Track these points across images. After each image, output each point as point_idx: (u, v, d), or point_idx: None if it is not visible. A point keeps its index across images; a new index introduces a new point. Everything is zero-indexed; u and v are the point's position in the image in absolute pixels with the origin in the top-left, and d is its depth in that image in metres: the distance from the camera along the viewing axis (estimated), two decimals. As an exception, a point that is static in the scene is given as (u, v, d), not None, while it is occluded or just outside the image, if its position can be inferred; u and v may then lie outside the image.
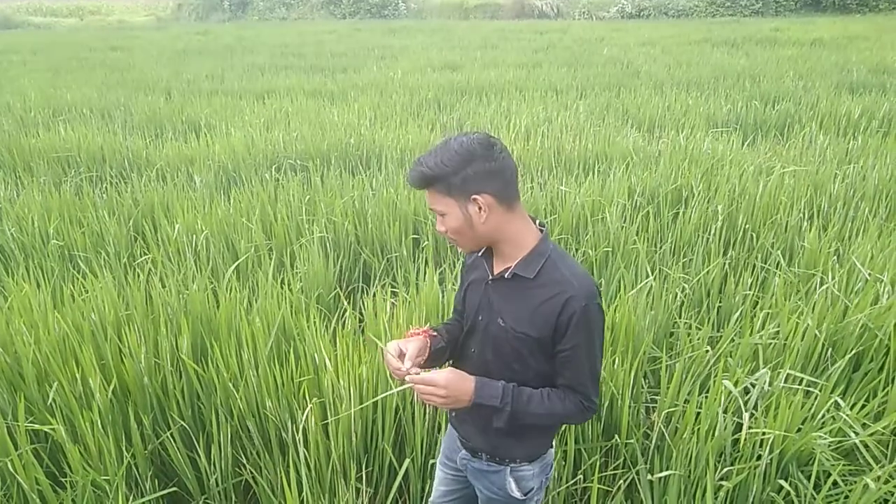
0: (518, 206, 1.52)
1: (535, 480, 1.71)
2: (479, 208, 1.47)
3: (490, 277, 1.59)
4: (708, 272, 3.46)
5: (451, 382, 1.47)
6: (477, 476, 1.76)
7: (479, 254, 1.62)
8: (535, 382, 1.57)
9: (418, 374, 1.50)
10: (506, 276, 1.54)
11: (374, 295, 3.00)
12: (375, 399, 2.35)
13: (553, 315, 1.48)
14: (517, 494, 1.70)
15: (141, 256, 3.93)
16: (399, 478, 2.27)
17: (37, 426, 2.30)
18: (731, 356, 2.71)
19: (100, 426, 2.25)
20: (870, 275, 3.13)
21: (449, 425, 1.88)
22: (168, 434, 2.38)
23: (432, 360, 1.65)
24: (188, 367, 2.51)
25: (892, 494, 2.11)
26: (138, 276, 3.31)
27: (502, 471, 1.69)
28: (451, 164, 1.44)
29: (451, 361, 1.75)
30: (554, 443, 1.78)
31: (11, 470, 2.10)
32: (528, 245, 1.54)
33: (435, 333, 1.69)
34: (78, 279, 3.37)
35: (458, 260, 3.81)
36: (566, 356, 1.51)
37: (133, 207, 4.63)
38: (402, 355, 1.56)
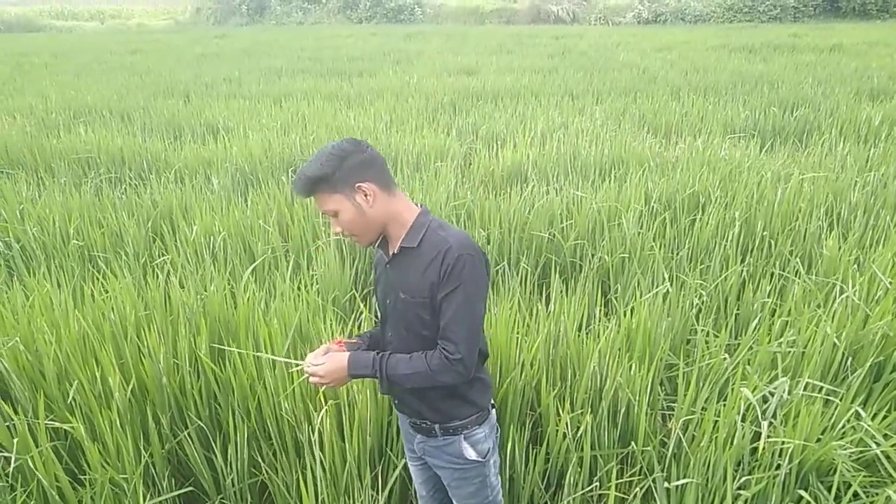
0: (396, 190, 1.71)
1: (488, 441, 1.85)
2: (366, 195, 1.64)
3: (387, 261, 1.74)
4: (725, 279, 3.43)
5: (328, 362, 1.66)
6: (435, 454, 1.86)
7: (377, 245, 1.77)
8: None
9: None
10: (395, 251, 1.70)
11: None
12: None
13: (437, 271, 1.62)
14: (476, 457, 1.82)
15: (159, 257, 3.97)
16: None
17: (57, 424, 2.33)
18: (749, 364, 2.69)
19: (118, 425, 2.28)
20: (891, 283, 3.09)
21: (399, 420, 2.01)
22: (185, 434, 2.40)
23: None
24: (206, 368, 2.53)
25: (914, 507, 2.08)
26: (157, 276, 3.34)
27: (456, 440, 1.80)
28: (329, 164, 1.61)
29: None
30: (497, 405, 1.92)
31: (32, 467, 2.12)
32: (410, 221, 1.70)
33: (356, 339, 1.89)
34: (98, 279, 3.41)
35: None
36: (442, 303, 1.63)
37: (152, 209, 4.68)
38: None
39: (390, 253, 1.74)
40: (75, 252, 4.01)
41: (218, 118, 8.05)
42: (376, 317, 3.30)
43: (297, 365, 1.83)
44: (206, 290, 3.17)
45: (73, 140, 6.62)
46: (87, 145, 6.42)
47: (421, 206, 1.75)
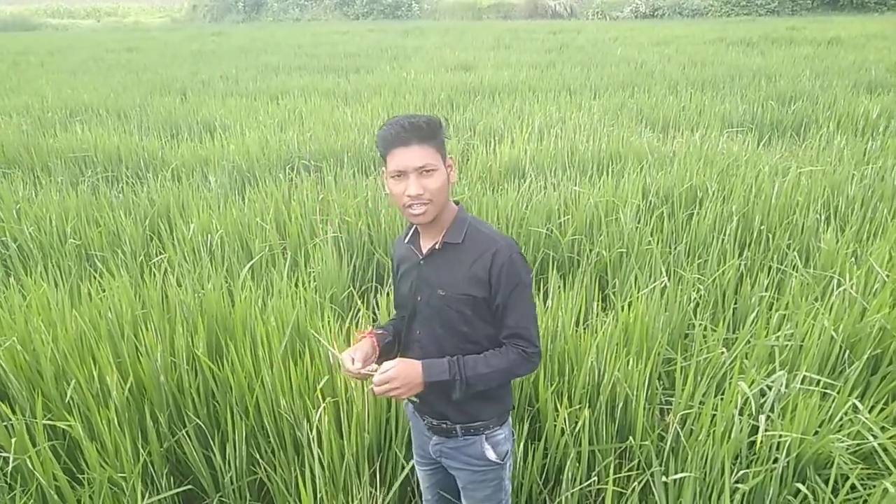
0: None
1: (507, 443, 1.81)
2: (450, 169, 1.61)
3: (421, 258, 1.69)
4: (723, 273, 3.43)
5: (401, 372, 1.57)
6: (453, 456, 1.81)
7: (406, 240, 1.74)
8: (486, 343, 1.68)
9: (373, 371, 1.61)
10: (436, 247, 1.65)
11: (388, 294, 3.01)
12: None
13: (485, 270, 1.60)
14: (495, 458, 1.78)
15: (157, 256, 3.96)
16: (403, 473, 2.27)
17: (54, 423, 2.33)
18: (746, 358, 2.69)
19: (116, 424, 2.28)
20: (888, 276, 3.09)
21: (410, 422, 1.95)
22: (184, 432, 2.40)
23: (384, 354, 1.76)
24: (204, 366, 2.53)
25: (912, 499, 2.08)
26: (154, 275, 3.34)
27: (477, 441, 1.76)
28: (437, 123, 1.56)
29: (399, 355, 1.83)
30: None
31: (30, 466, 2.12)
32: (451, 215, 1.66)
33: (381, 331, 1.81)
34: (95, 278, 3.41)
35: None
36: (505, 305, 1.62)
37: (149, 207, 4.67)
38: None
39: (424, 248, 1.69)
40: (72, 251, 4.00)
41: (215, 116, 8.04)
42: (374, 313, 3.31)
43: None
44: (203, 289, 3.16)
45: (69, 139, 6.60)
46: (83, 144, 6.41)
47: (458, 203, 1.71)
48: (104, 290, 3.14)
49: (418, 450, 1.96)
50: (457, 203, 1.70)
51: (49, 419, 2.40)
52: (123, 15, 43.97)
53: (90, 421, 2.37)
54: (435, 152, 1.55)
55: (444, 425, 1.76)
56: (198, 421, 2.48)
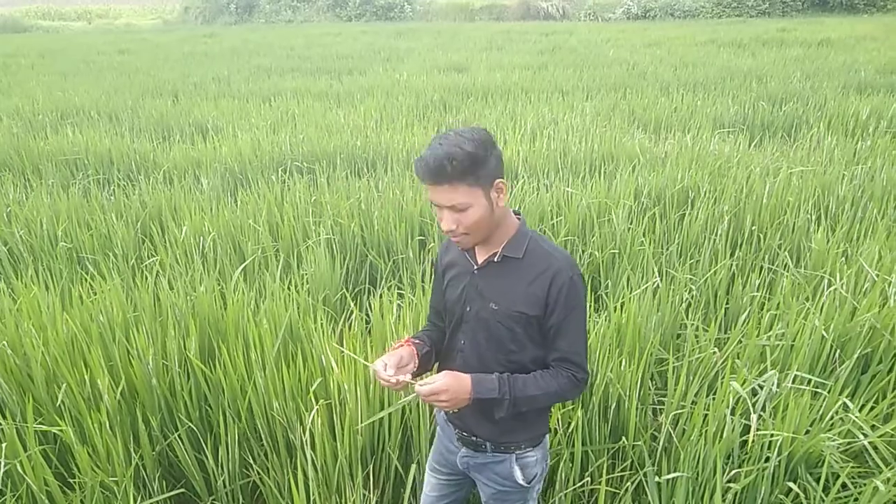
0: None
1: (538, 466, 1.75)
2: (500, 193, 1.52)
3: (475, 267, 1.63)
4: (715, 273, 3.45)
5: (450, 385, 1.51)
6: (481, 470, 1.77)
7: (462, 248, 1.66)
8: (531, 364, 1.63)
9: (411, 381, 1.55)
10: (495, 259, 1.59)
11: (381, 296, 3.01)
12: (386, 411, 2.35)
13: (544, 290, 1.55)
14: (522, 481, 1.72)
15: (149, 258, 3.95)
16: (409, 483, 2.27)
17: (45, 427, 2.32)
18: (738, 357, 2.70)
19: (108, 427, 2.27)
20: (878, 276, 3.11)
21: (438, 429, 1.90)
22: (176, 435, 2.39)
23: (421, 364, 1.69)
24: (196, 369, 2.52)
25: (902, 497, 2.09)
26: (146, 277, 3.32)
27: (507, 459, 1.72)
28: (479, 150, 1.44)
29: (437, 364, 1.79)
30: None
31: (21, 471, 2.11)
32: (512, 228, 1.60)
33: (417, 341, 1.74)
34: (86, 281, 3.39)
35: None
36: (559, 327, 1.57)
37: (140, 210, 4.65)
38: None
39: (479, 258, 1.62)
40: (63, 254, 3.98)
41: (207, 118, 8.01)
42: (367, 315, 3.29)
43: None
44: (195, 291, 3.15)
45: (60, 141, 6.57)
46: (74, 146, 6.38)
47: (519, 214, 1.65)
48: (95, 294, 3.12)
49: (438, 457, 1.90)
50: (517, 214, 1.63)
51: (40, 423, 2.38)
52: (115, 17, 43.80)
53: (81, 425, 2.35)
54: (467, 189, 1.45)
55: (474, 439, 1.72)
56: (190, 424, 2.47)
